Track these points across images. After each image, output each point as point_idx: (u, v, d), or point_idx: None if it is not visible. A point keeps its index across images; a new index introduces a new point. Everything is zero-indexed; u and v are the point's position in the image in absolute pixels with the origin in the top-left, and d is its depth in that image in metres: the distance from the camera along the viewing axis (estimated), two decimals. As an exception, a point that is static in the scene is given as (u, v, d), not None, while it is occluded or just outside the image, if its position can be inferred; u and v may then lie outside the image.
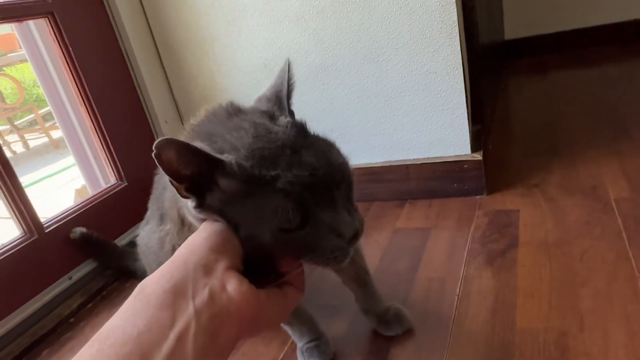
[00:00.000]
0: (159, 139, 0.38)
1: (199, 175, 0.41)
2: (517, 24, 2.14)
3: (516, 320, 0.71)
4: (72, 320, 1.02)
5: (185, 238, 0.52)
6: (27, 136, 3.65)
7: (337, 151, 0.47)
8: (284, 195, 0.40)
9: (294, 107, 0.51)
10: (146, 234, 0.81)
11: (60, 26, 1.08)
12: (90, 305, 1.06)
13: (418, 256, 0.93)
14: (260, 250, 0.42)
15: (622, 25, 1.99)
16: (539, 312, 0.72)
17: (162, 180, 0.77)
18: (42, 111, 3.62)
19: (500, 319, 0.73)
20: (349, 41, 1.07)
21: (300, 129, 0.46)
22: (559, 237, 0.89)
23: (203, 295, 0.35)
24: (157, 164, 0.39)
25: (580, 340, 0.65)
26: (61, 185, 2.61)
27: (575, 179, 1.07)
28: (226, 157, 0.41)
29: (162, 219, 0.76)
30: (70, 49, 1.10)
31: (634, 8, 1.96)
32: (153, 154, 0.39)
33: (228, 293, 0.36)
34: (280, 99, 0.49)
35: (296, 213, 0.41)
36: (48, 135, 3.51)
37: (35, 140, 3.72)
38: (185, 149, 0.39)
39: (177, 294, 0.34)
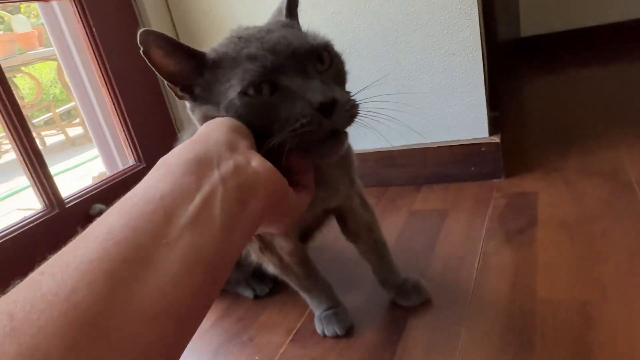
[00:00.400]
0: (140, 30, 0.42)
1: (188, 73, 0.45)
2: (533, 21, 2.14)
3: (537, 291, 0.71)
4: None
5: None
6: (43, 134, 3.71)
7: (322, 39, 0.48)
8: (249, 62, 0.43)
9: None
10: None
11: (85, 7, 1.10)
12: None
13: (435, 236, 0.93)
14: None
15: (636, 23, 1.98)
16: (560, 284, 0.71)
17: None
18: (59, 110, 3.68)
19: (520, 290, 0.72)
20: (367, 24, 1.08)
21: (289, 24, 0.49)
22: (579, 217, 0.88)
23: (228, 165, 0.33)
24: (149, 64, 0.43)
25: (604, 310, 0.64)
26: (78, 178, 2.65)
27: (594, 163, 1.06)
28: (206, 51, 0.45)
29: None
30: (94, 30, 1.12)
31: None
32: (141, 52, 0.43)
33: (253, 167, 0.34)
34: (281, 8, 0.52)
35: (260, 77, 0.42)
36: (65, 133, 3.57)
37: (52, 137, 3.78)
38: (167, 41, 0.43)
39: (201, 163, 0.32)
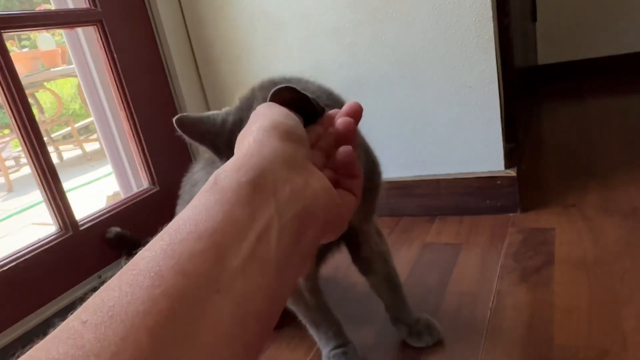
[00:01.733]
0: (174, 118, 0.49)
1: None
2: (551, 49, 2.14)
3: (554, 336, 0.68)
4: (98, 318, 1.02)
5: None
6: (61, 148, 3.79)
7: None
8: None
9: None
10: None
11: (108, 34, 1.13)
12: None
13: (449, 271, 0.91)
14: None
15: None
16: (578, 329, 0.69)
17: (193, 178, 0.79)
18: (77, 125, 3.76)
19: (536, 334, 0.70)
20: (384, 55, 1.09)
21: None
22: (598, 256, 0.85)
23: (285, 190, 0.30)
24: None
25: (624, 360, 0.62)
26: (92, 194, 2.68)
27: (613, 200, 1.04)
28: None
29: None
30: (115, 56, 1.15)
31: (671, 36, 1.93)
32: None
33: (312, 188, 0.31)
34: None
35: None
36: (82, 148, 3.63)
37: (69, 152, 3.85)
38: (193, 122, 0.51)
39: (255, 188, 0.29)
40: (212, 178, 0.30)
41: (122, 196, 1.34)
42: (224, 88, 1.33)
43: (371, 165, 0.66)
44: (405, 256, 1.01)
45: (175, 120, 0.49)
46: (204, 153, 0.79)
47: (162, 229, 0.28)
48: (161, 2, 1.25)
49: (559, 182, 1.19)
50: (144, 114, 1.21)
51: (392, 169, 1.18)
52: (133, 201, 1.19)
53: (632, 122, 1.54)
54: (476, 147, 1.07)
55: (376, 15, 1.06)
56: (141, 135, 1.21)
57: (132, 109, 1.19)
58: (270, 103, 0.38)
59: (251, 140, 0.32)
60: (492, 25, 0.97)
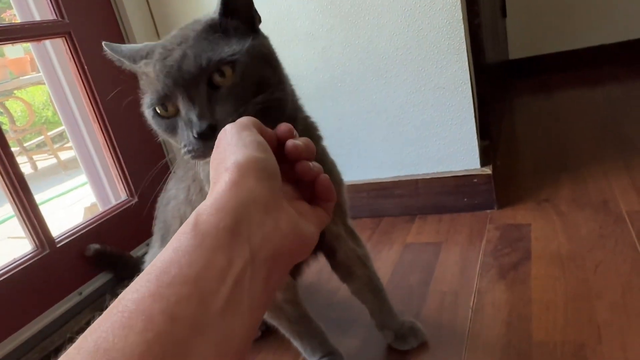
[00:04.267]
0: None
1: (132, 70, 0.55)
2: (521, 44, 2.18)
3: (532, 333, 0.70)
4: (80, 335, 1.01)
5: None
6: (35, 157, 3.70)
7: (226, 49, 0.49)
8: (155, 81, 0.49)
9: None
10: (149, 258, 0.84)
11: (77, 45, 1.11)
12: (99, 321, 1.05)
13: (430, 270, 0.93)
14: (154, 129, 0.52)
15: (624, 45, 2.02)
16: (555, 324, 0.71)
17: (167, 196, 0.79)
18: (51, 133, 3.67)
19: (515, 331, 0.72)
20: (358, 58, 1.10)
21: (210, 26, 0.52)
22: (571, 250, 0.88)
23: (257, 236, 0.32)
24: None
25: (599, 353, 0.64)
26: (69, 205, 2.63)
27: (585, 194, 1.07)
28: (141, 52, 0.54)
29: (163, 240, 0.78)
30: (86, 67, 1.13)
31: (634, 28, 1.99)
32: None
33: (282, 231, 0.33)
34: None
35: (160, 100, 0.49)
36: (56, 157, 3.55)
37: (44, 161, 3.76)
38: (112, 50, 0.56)
39: (233, 234, 0.31)
40: (192, 218, 0.31)
41: (100, 208, 1.32)
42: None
43: (330, 166, 0.67)
44: (387, 257, 1.02)
45: (105, 44, 0.56)
46: (177, 169, 0.78)
47: (145, 255, 0.30)
48: (132, 12, 1.23)
49: (533, 177, 1.22)
50: (118, 125, 1.19)
51: (370, 171, 1.20)
52: (111, 214, 1.17)
53: (599, 114, 1.59)
54: (452, 146, 1.09)
55: (348, 20, 1.07)
56: (116, 146, 1.19)
57: (106, 120, 1.17)
58: (240, 125, 0.38)
59: (227, 179, 0.34)
60: (462, 26, 0.98)
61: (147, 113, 0.52)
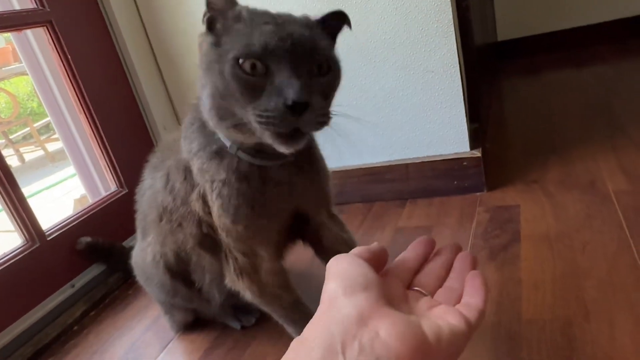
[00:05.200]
0: None
1: (218, 8, 0.52)
2: (509, 25, 2.17)
3: (522, 312, 0.72)
4: (75, 328, 1.01)
5: (165, 242, 0.69)
6: (22, 150, 3.64)
7: (329, 52, 0.53)
8: (256, 37, 0.48)
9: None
10: (135, 253, 0.85)
11: (59, 35, 1.09)
12: (93, 313, 1.05)
13: (421, 253, 0.94)
14: (220, 80, 0.50)
15: (611, 24, 2.03)
16: (543, 303, 0.73)
17: (142, 186, 0.78)
18: (37, 124, 3.61)
19: (505, 311, 0.73)
20: (346, 42, 1.08)
21: (313, 26, 0.53)
22: (560, 231, 0.89)
23: (353, 349, 0.30)
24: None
25: (587, 329, 0.66)
26: (58, 197, 2.60)
27: (573, 175, 1.08)
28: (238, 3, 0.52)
29: (144, 232, 0.79)
30: (69, 57, 1.11)
31: (621, 7, 1.99)
32: None
33: (382, 340, 0.31)
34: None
35: (257, 56, 0.47)
36: (43, 148, 3.50)
37: (31, 153, 3.71)
38: None
39: (325, 351, 0.31)
40: (295, 342, 0.34)
41: (90, 199, 1.31)
42: (187, 83, 1.30)
43: (314, 150, 0.68)
44: (379, 242, 1.02)
45: None
46: (151, 158, 0.78)
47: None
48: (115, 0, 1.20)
49: (522, 159, 1.23)
50: (105, 114, 1.18)
51: (361, 156, 1.20)
52: (101, 206, 1.16)
53: (587, 94, 1.60)
54: (442, 130, 1.09)
55: (336, 3, 1.05)
56: (104, 136, 1.18)
57: (92, 110, 1.15)
58: (341, 256, 0.40)
59: (325, 298, 0.36)
60: (450, 9, 0.98)
61: (229, 65, 0.48)
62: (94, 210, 1.14)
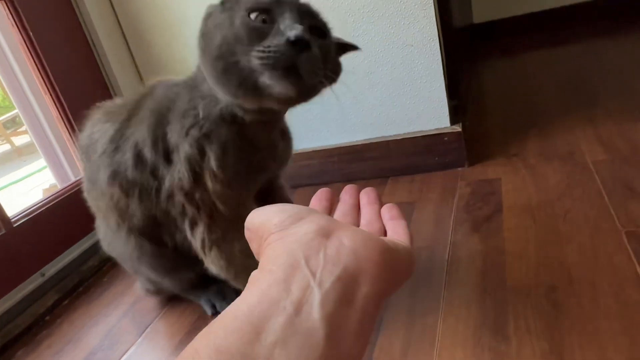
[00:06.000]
0: None
1: None
2: (484, 8, 2.18)
3: (506, 279, 0.71)
4: (47, 318, 0.96)
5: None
6: (-13, 144, 3.50)
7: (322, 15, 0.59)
8: None
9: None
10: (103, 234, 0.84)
11: (19, 10, 1.02)
12: (66, 302, 1.01)
13: (404, 228, 0.93)
14: (227, 30, 0.53)
15: (583, 5, 2.06)
16: (527, 270, 0.73)
17: (90, 147, 0.74)
18: (2, 118, 3.47)
19: (490, 279, 0.73)
20: (323, 15, 1.06)
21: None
22: (541, 200, 0.90)
23: (318, 260, 0.28)
24: None
25: (571, 294, 0.66)
26: (27, 192, 2.51)
27: (552, 147, 1.09)
28: None
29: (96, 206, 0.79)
30: (31, 34, 1.04)
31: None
32: None
33: (348, 247, 0.29)
34: None
35: (264, 15, 0.52)
36: (10, 142, 3.37)
37: (-3, 148, 3.57)
38: None
39: (287, 268, 0.28)
40: (252, 275, 0.30)
41: (60, 186, 1.26)
42: (159, 62, 1.25)
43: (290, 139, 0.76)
44: (361, 219, 1.01)
45: None
46: (94, 114, 0.76)
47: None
48: None
49: (502, 134, 1.23)
50: (72, 96, 1.12)
51: (341, 135, 1.18)
52: (71, 191, 1.11)
53: (563, 72, 1.62)
54: (422, 105, 1.08)
55: (312, -24, 1.02)
56: (72, 120, 1.12)
57: (59, 92, 1.10)
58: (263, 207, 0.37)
59: (270, 231, 0.32)
60: (428, -20, 0.96)
61: (238, 14, 0.53)
62: (63, 196, 1.09)
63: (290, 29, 0.50)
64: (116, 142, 0.69)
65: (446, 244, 0.84)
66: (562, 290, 0.67)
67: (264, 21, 0.52)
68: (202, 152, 0.63)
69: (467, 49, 1.95)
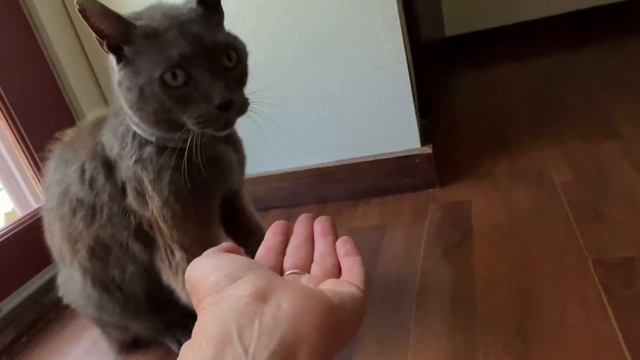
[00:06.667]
0: None
1: (118, 36, 0.52)
2: (456, 21, 2.20)
3: (477, 311, 0.71)
4: (3, 357, 0.91)
5: (79, 238, 0.68)
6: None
7: (228, 35, 0.57)
8: (170, 48, 0.51)
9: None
10: (60, 281, 0.81)
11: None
12: (25, 339, 0.96)
13: (375, 255, 0.92)
14: (155, 102, 0.53)
15: (551, 19, 2.10)
16: (497, 299, 0.72)
17: (48, 181, 0.72)
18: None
19: (461, 311, 0.72)
20: (291, 39, 1.04)
21: (205, 16, 0.55)
22: (510, 224, 0.89)
23: (252, 331, 0.26)
24: (83, 19, 0.50)
25: (540, 325, 0.65)
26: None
27: (520, 167, 1.09)
28: (136, 21, 0.53)
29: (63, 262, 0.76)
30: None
31: (560, 3, 2.07)
32: (77, 9, 0.50)
33: (286, 311, 0.27)
34: None
35: (177, 69, 0.51)
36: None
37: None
38: (103, 9, 0.50)
39: (217, 344, 0.25)
40: (184, 346, 0.27)
41: (19, 212, 1.20)
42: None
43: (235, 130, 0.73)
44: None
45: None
46: (51, 161, 0.73)
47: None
48: (41, 7, 1.09)
49: (472, 153, 1.24)
50: (30, 120, 1.08)
51: (312, 157, 1.16)
52: (32, 219, 1.06)
53: (532, 87, 1.64)
54: (392, 127, 1.07)
55: (278, -2, 1.01)
56: (30, 145, 1.07)
57: (15, 117, 1.05)
58: (200, 258, 0.34)
59: (206, 293, 0.30)
60: (395, 3, 0.96)
61: (154, 82, 0.52)
62: (24, 224, 1.04)
63: (212, 92, 0.52)
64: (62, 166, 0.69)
65: (416, 273, 0.83)
66: (531, 322, 0.66)
67: (185, 83, 0.52)
68: (139, 180, 0.62)
69: (438, 61, 1.96)
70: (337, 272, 0.37)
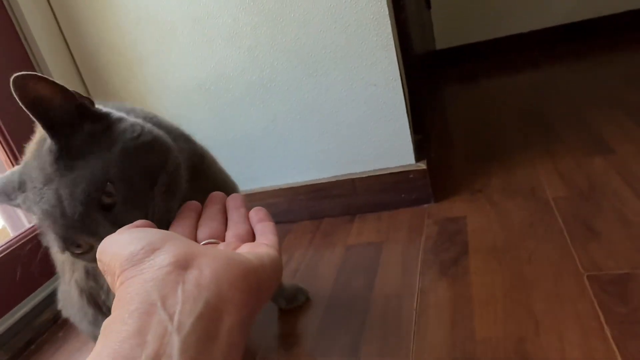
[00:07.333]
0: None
1: None
2: (446, 34, 2.23)
3: (475, 331, 0.71)
4: (-5, 382, 0.90)
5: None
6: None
7: (91, 180, 0.42)
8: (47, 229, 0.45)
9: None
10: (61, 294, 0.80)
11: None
12: (16, 362, 0.94)
13: (373, 273, 0.91)
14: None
15: (541, 32, 2.14)
16: (495, 319, 0.72)
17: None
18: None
19: (459, 331, 0.72)
20: (286, 57, 1.05)
21: (57, 153, 0.44)
22: (506, 241, 0.90)
23: (176, 297, 0.26)
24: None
25: (538, 345, 0.66)
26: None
27: (514, 181, 1.11)
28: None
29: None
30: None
31: (550, 16, 2.11)
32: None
33: (208, 275, 0.27)
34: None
35: (67, 245, 0.44)
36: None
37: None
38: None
39: (141, 315, 0.25)
40: (104, 323, 0.26)
41: (10, 230, 1.19)
42: (116, 99, 1.21)
43: (225, 177, 0.68)
44: (329, 261, 0.99)
45: None
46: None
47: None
48: (28, 12, 1.09)
49: (466, 168, 1.25)
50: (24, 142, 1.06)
51: (308, 172, 1.16)
52: (24, 239, 1.04)
53: (523, 100, 1.66)
54: (387, 143, 1.08)
55: (273, 17, 1.01)
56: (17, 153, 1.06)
57: (11, 141, 1.04)
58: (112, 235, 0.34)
59: (121, 267, 0.29)
60: (389, 22, 0.97)
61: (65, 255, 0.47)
62: (17, 244, 1.02)
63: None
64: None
65: (414, 292, 0.83)
66: (530, 341, 0.67)
67: (82, 247, 0.45)
68: None
69: (430, 74, 1.98)
70: (252, 238, 0.38)
